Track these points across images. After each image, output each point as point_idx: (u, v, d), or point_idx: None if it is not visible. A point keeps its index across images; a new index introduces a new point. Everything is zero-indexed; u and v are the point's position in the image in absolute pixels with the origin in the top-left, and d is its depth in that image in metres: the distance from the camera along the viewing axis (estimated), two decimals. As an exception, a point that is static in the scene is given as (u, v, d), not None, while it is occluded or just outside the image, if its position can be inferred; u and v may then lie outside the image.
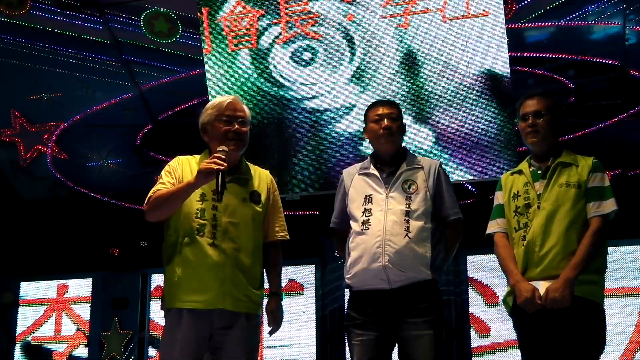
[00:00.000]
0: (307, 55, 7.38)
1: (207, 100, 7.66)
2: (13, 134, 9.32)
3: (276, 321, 3.79)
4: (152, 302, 9.19)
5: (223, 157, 3.56)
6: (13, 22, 8.18)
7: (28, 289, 9.81)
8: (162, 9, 8.05)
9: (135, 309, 9.29)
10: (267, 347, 8.70)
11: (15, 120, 9.25)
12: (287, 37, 7.44)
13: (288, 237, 3.90)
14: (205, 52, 7.50)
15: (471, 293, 8.29)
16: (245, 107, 3.90)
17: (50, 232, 9.52)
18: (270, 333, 3.82)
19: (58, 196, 9.59)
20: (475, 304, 8.26)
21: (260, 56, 7.48)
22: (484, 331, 8.16)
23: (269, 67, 7.47)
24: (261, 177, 3.89)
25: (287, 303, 8.49)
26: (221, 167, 3.52)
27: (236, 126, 3.78)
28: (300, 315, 8.77)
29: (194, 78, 8.37)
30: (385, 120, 4.03)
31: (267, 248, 3.86)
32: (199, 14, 7.47)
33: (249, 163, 3.94)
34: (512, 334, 4.06)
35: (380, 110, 4.09)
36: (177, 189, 3.67)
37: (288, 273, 8.88)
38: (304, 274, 8.84)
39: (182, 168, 3.82)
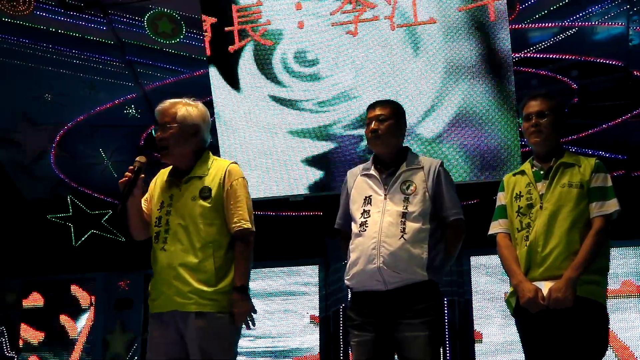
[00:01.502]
0: (309, 57, 7.39)
1: (211, 101, 7.69)
2: (16, 134, 9.32)
3: (236, 318, 3.71)
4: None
5: (132, 167, 3.75)
6: (16, 22, 8.18)
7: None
8: (165, 10, 8.05)
9: (139, 309, 9.28)
10: (270, 347, 8.72)
11: (18, 120, 9.25)
12: (240, 45, 7.48)
13: (246, 226, 3.78)
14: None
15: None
16: (174, 108, 3.88)
17: (53, 232, 9.53)
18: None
19: (60, 196, 9.59)
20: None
21: (263, 57, 7.49)
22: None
23: (272, 68, 7.48)
24: (218, 171, 3.87)
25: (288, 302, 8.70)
26: (125, 179, 3.72)
27: (158, 134, 3.84)
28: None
29: (197, 79, 8.36)
30: (373, 123, 4.04)
31: (233, 242, 3.83)
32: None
33: (215, 158, 3.95)
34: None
35: (370, 113, 4.10)
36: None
37: (291, 273, 8.90)
38: (307, 274, 8.85)
39: (153, 182, 3.99)
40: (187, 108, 3.89)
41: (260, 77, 7.50)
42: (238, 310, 3.70)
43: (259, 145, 7.55)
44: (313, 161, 7.42)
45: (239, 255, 3.78)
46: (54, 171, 9.44)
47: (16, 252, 9.64)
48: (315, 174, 7.43)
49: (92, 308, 9.55)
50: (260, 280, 8.85)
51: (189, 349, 3.71)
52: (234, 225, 3.79)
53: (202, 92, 8.09)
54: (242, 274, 3.75)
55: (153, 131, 3.89)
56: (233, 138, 7.59)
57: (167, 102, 3.92)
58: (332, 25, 7.22)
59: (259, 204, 8.31)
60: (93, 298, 9.58)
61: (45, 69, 8.57)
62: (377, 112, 4.08)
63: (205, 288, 3.69)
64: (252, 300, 3.79)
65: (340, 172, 7.11)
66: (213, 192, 3.80)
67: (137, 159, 3.80)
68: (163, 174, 3.97)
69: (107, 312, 9.44)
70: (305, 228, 8.75)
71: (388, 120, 4.05)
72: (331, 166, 7.40)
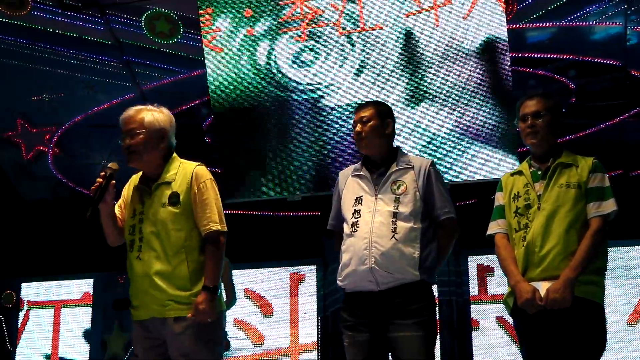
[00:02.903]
0: (307, 56, 7.40)
1: (208, 101, 7.70)
2: (15, 134, 9.32)
3: (197, 313, 3.69)
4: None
5: (103, 173, 3.76)
6: (14, 22, 8.18)
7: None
8: (163, 10, 8.06)
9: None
10: (269, 347, 8.72)
11: (17, 121, 9.24)
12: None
13: (215, 228, 3.79)
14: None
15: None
16: (141, 114, 3.88)
17: (52, 233, 9.52)
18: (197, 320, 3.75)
19: (59, 197, 9.58)
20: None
21: (261, 56, 7.50)
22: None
23: (270, 67, 7.50)
24: (184, 176, 3.87)
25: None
26: (96, 184, 3.74)
27: (126, 141, 3.84)
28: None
29: (195, 79, 8.37)
30: (357, 125, 4.06)
31: (204, 243, 3.84)
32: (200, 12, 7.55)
33: (182, 161, 3.95)
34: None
35: (355, 116, 4.12)
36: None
37: (290, 273, 8.89)
38: (305, 274, 8.84)
39: (126, 188, 4.01)
40: (153, 114, 3.91)
41: (256, 75, 7.53)
42: (202, 308, 3.69)
43: (257, 146, 7.56)
44: (311, 161, 7.43)
45: (209, 256, 3.79)
46: (53, 172, 9.44)
47: (15, 252, 9.64)
48: (313, 174, 7.44)
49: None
50: (259, 281, 8.86)
51: (170, 354, 3.75)
52: (203, 228, 3.80)
53: (200, 92, 8.11)
54: (213, 275, 3.76)
55: (120, 140, 3.87)
56: (231, 139, 7.61)
57: (132, 110, 3.93)
58: (280, 32, 7.30)
59: (257, 204, 8.39)
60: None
61: (43, 69, 8.58)
62: (361, 114, 4.09)
63: (181, 293, 3.72)
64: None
65: (338, 172, 7.12)
66: (181, 198, 3.81)
67: (109, 165, 3.81)
68: (135, 179, 3.98)
69: (105, 313, 9.43)
70: (302, 228, 8.74)
71: (371, 121, 4.05)
72: (329, 166, 7.41)
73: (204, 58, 7.67)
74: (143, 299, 3.77)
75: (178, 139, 4.02)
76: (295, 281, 8.84)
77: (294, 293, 8.82)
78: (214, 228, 3.80)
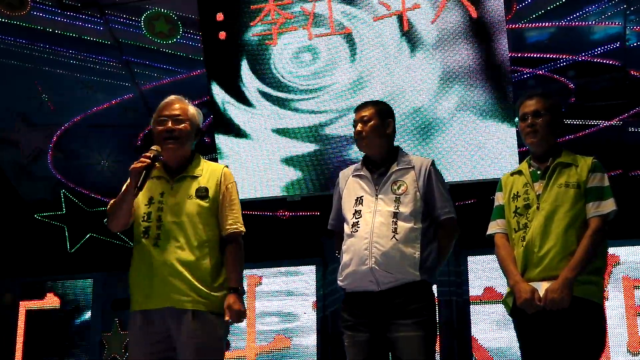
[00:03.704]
0: (307, 56, 7.41)
1: (208, 101, 7.70)
2: (15, 134, 9.31)
3: (232, 316, 3.71)
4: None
5: (148, 154, 3.73)
6: (13, 22, 8.17)
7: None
8: (162, 10, 8.05)
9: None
10: (268, 347, 8.72)
11: (15, 121, 9.24)
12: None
13: (240, 229, 3.85)
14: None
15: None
16: (185, 105, 3.92)
17: (51, 233, 9.52)
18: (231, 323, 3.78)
19: (59, 197, 9.57)
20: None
21: (260, 57, 7.51)
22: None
23: (269, 68, 7.50)
24: (213, 173, 3.90)
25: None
26: (144, 164, 3.68)
27: (169, 125, 3.83)
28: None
29: (194, 79, 8.37)
30: (358, 125, 4.07)
31: (224, 243, 3.85)
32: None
33: (205, 160, 3.98)
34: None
35: (356, 116, 4.13)
36: (119, 194, 3.80)
37: (289, 273, 8.89)
38: (305, 274, 8.84)
39: None
40: (193, 107, 3.96)
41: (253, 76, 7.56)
42: (238, 310, 3.71)
43: (257, 146, 7.57)
44: (310, 161, 7.43)
45: (234, 256, 3.81)
46: (52, 172, 9.43)
47: (14, 253, 9.63)
48: (313, 174, 7.44)
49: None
50: (260, 283, 8.86)
51: (180, 348, 3.69)
52: (229, 227, 3.83)
53: (199, 92, 8.09)
54: (238, 276, 3.79)
55: (157, 124, 3.86)
56: (231, 139, 7.62)
57: (174, 97, 3.96)
58: (253, 35, 7.35)
59: (257, 204, 8.39)
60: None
61: (43, 69, 8.57)
62: (362, 113, 4.10)
63: (202, 286, 3.70)
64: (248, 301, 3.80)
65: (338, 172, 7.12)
66: (210, 193, 3.84)
67: (153, 147, 3.80)
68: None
69: (104, 313, 9.42)
70: (302, 228, 8.75)
71: (371, 120, 4.06)
72: (329, 166, 7.41)
73: (203, 58, 7.68)
74: (159, 287, 3.70)
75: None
76: (253, 284, 8.82)
77: (251, 296, 8.79)
78: (240, 229, 3.86)
